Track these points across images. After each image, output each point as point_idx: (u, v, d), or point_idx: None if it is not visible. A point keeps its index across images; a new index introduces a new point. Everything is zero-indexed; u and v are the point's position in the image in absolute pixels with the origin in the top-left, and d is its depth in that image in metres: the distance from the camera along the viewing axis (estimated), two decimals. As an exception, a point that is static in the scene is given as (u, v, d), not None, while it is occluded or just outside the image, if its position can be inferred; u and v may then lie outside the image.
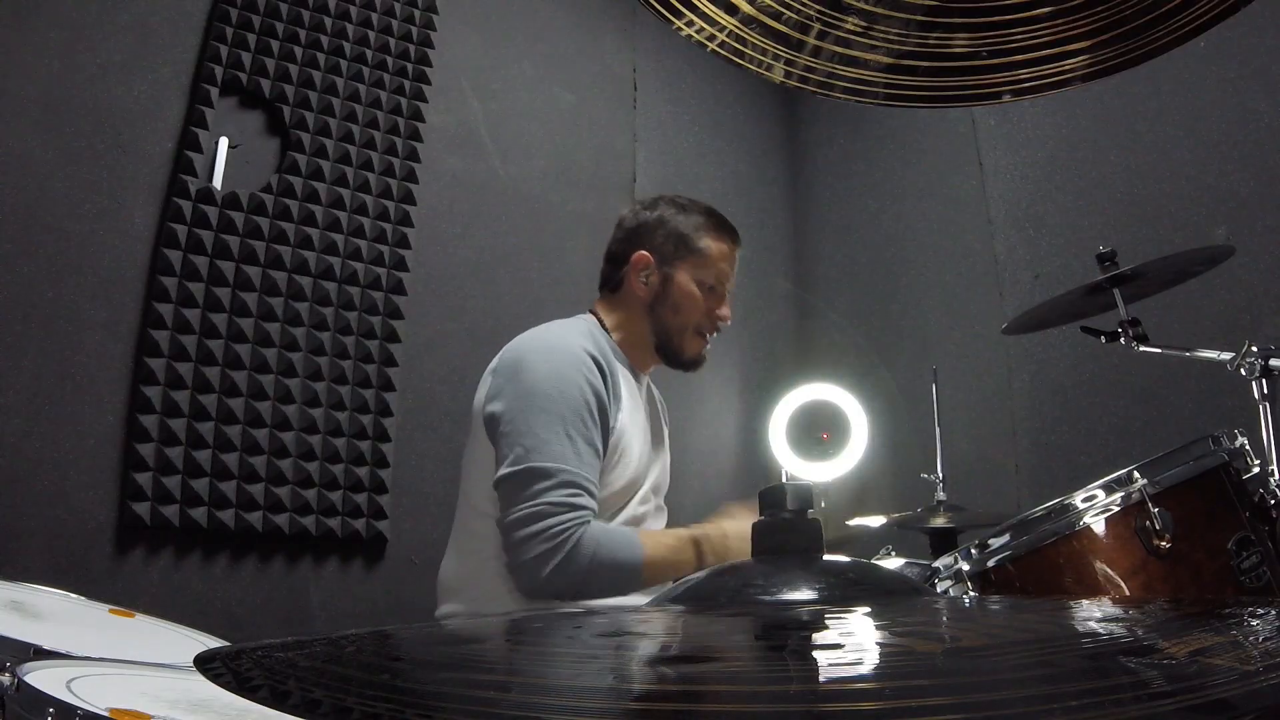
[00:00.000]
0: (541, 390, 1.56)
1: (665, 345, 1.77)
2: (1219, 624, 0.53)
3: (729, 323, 1.80)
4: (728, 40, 0.97)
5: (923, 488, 2.38)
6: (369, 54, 2.54)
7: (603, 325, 1.78)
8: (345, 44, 2.50)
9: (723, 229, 1.80)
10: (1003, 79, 0.96)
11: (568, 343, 1.64)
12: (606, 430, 1.61)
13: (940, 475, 2.36)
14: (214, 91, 2.25)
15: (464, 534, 1.68)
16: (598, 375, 1.61)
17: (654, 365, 1.83)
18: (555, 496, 1.48)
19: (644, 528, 1.71)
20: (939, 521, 2.17)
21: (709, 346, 1.81)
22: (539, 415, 1.54)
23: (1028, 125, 2.84)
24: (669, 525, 1.90)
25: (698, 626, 0.57)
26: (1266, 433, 1.42)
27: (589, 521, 1.50)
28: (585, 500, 1.51)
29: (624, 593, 1.57)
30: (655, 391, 1.93)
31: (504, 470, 1.53)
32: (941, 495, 2.31)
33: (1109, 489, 1.33)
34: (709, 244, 1.77)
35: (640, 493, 1.73)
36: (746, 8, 0.94)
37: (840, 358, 3.30)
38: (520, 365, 1.61)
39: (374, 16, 2.57)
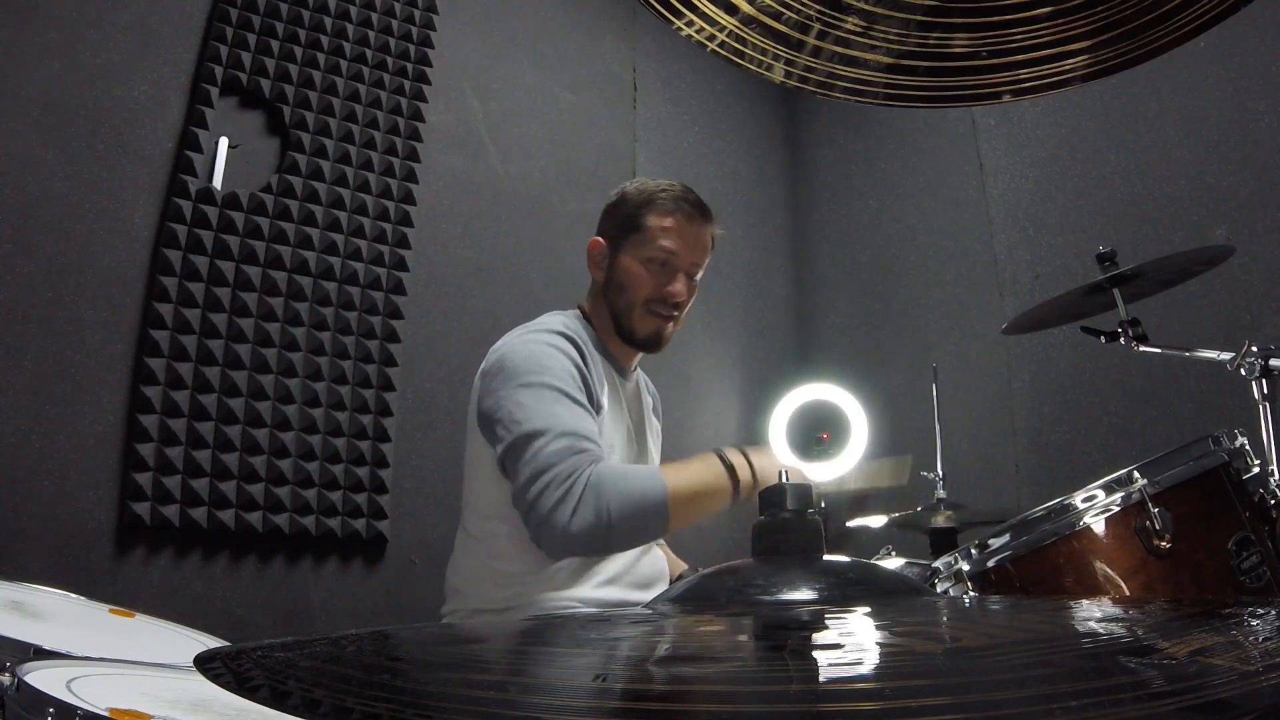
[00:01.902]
0: (522, 371, 1.55)
1: (619, 327, 1.74)
2: (1219, 624, 0.53)
3: (684, 299, 1.72)
4: (728, 40, 0.97)
5: (923, 488, 2.38)
6: (369, 54, 2.54)
7: (587, 320, 1.78)
8: (345, 44, 2.50)
9: (675, 204, 1.71)
10: (1003, 79, 0.96)
11: (543, 327, 1.65)
12: (593, 402, 1.60)
13: (940, 475, 2.36)
14: (214, 91, 2.25)
15: (464, 535, 1.69)
16: (575, 351, 1.60)
17: (636, 357, 1.82)
18: (555, 445, 1.44)
19: None
20: (939, 521, 2.17)
21: (672, 327, 1.74)
22: (523, 391, 1.52)
23: (1028, 125, 2.84)
24: (668, 540, 1.90)
25: (697, 626, 0.57)
26: (1266, 433, 1.42)
27: (597, 460, 1.44)
28: (588, 444, 1.45)
29: (658, 533, 1.50)
30: (649, 387, 1.92)
31: (501, 447, 1.51)
32: (941, 495, 2.31)
33: (1109, 489, 1.33)
34: (653, 220, 1.70)
35: None
36: (746, 8, 0.94)
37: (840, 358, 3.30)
38: (501, 359, 1.61)
39: (374, 16, 2.57)
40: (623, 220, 1.74)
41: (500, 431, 1.53)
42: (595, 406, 1.61)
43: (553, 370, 1.55)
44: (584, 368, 1.60)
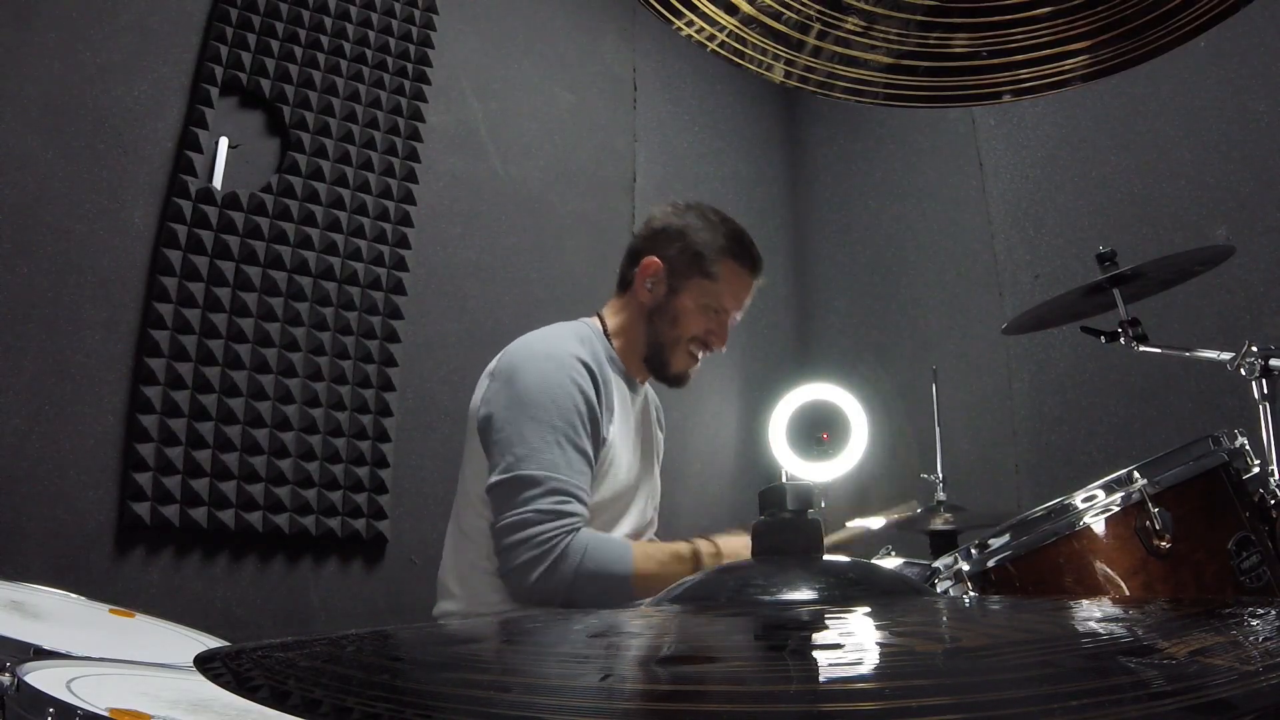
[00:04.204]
0: (533, 398, 1.55)
1: (654, 356, 1.75)
2: (1219, 624, 0.53)
3: (723, 350, 1.77)
4: (728, 40, 0.97)
5: (923, 488, 2.38)
6: (369, 54, 2.54)
7: (605, 330, 1.77)
8: (345, 44, 2.50)
9: (743, 257, 1.74)
10: (1003, 79, 0.96)
11: (562, 348, 1.63)
12: (598, 439, 1.60)
13: (940, 475, 2.36)
14: (214, 91, 2.25)
15: (458, 533, 1.68)
16: (589, 382, 1.60)
17: (649, 374, 1.82)
18: (544, 504, 1.48)
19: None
20: (939, 522, 2.17)
21: (698, 366, 1.77)
22: (530, 423, 1.53)
23: (1028, 125, 2.84)
24: (666, 538, 1.89)
25: (697, 626, 0.57)
26: (1266, 433, 1.42)
27: (578, 529, 1.49)
28: (574, 507, 1.50)
29: (614, 604, 1.54)
30: (654, 401, 1.92)
31: (494, 478, 1.54)
32: (941, 495, 2.31)
33: (1109, 489, 1.33)
34: (722, 269, 1.72)
35: (630, 510, 1.72)
36: (746, 8, 0.94)
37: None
38: (514, 371, 1.60)
39: (374, 16, 2.57)
40: (692, 257, 1.72)
41: (496, 458, 1.55)
42: (600, 439, 1.61)
43: (562, 407, 1.55)
44: (596, 401, 1.60)
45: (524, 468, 1.50)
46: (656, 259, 1.74)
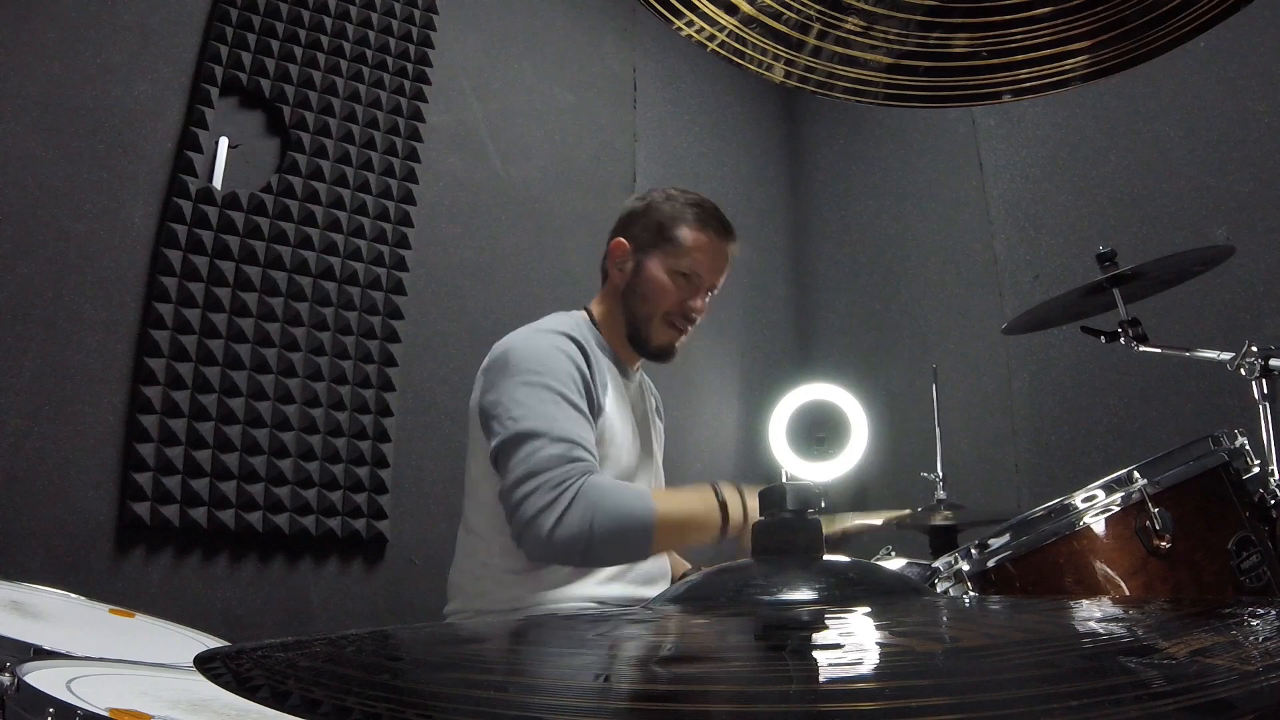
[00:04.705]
0: (525, 368, 1.55)
1: (634, 333, 1.75)
2: (1219, 624, 0.53)
3: (702, 315, 1.75)
4: (728, 40, 0.97)
5: (923, 488, 2.38)
6: (369, 54, 2.54)
7: (593, 320, 1.79)
8: (345, 44, 2.50)
9: (706, 221, 1.74)
10: (1003, 79, 0.96)
11: (547, 327, 1.65)
12: (593, 405, 1.60)
13: (940, 475, 2.36)
14: (214, 91, 2.25)
15: (466, 533, 1.69)
16: (579, 354, 1.60)
17: (640, 359, 1.83)
18: (551, 450, 1.44)
19: None
20: (939, 521, 2.17)
21: (684, 339, 1.76)
22: (523, 388, 1.52)
23: (1028, 125, 2.84)
24: None
25: (697, 626, 0.57)
26: (1266, 433, 1.42)
27: (591, 471, 1.45)
28: (582, 453, 1.46)
29: (638, 555, 1.51)
30: (653, 392, 1.92)
31: (495, 442, 1.51)
32: (941, 495, 2.31)
33: (1109, 489, 1.33)
34: (685, 233, 1.72)
35: None
36: (746, 8, 0.94)
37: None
38: (504, 356, 1.61)
39: (374, 16, 2.57)
40: (655, 229, 1.74)
41: (496, 426, 1.53)
42: (596, 409, 1.61)
43: (555, 371, 1.55)
44: (587, 370, 1.60)
45: (524, 425, 1.48)
46: (621, 240, 1.77)
